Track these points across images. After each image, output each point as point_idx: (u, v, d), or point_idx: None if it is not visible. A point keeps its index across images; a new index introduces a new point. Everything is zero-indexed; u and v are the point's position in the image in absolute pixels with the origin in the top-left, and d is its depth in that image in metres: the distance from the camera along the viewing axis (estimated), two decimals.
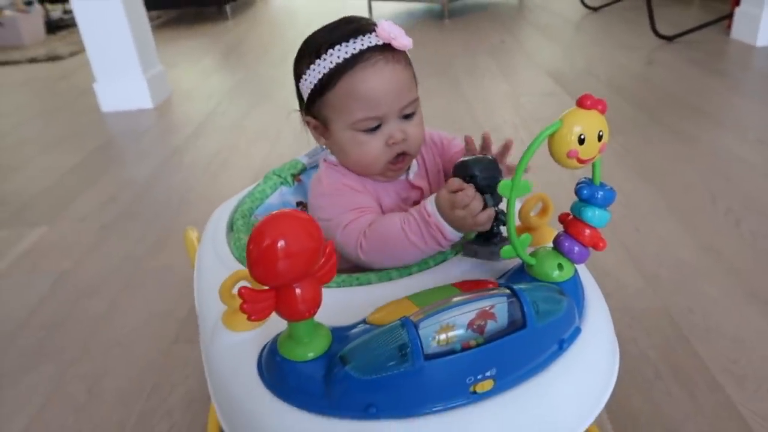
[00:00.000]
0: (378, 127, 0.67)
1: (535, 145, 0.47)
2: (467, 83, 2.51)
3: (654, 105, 2.07)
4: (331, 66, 0.65)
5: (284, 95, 2.57)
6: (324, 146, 0.74)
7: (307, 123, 0.72)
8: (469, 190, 0.56)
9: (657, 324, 1.01)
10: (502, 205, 0.59)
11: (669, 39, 2.80)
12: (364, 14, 3.40)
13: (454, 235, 0.58)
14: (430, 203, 0.59)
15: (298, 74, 0.70)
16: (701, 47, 2.68)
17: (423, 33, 3.53)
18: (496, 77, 2.58)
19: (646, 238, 1.27)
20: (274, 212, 0.42)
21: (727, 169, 1.56)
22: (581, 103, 0.49)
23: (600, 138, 0.49)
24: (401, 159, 0.69)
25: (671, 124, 1.89)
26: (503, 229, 0.59)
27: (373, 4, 4.33)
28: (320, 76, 0.66)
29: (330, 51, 0.65)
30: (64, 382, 1.02)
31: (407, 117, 0.68)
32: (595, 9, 3.74)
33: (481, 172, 0.57)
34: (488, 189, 0.57)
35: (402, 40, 0.66)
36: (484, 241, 0.60)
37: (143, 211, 1.65)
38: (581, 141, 0.48)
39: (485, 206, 0.57)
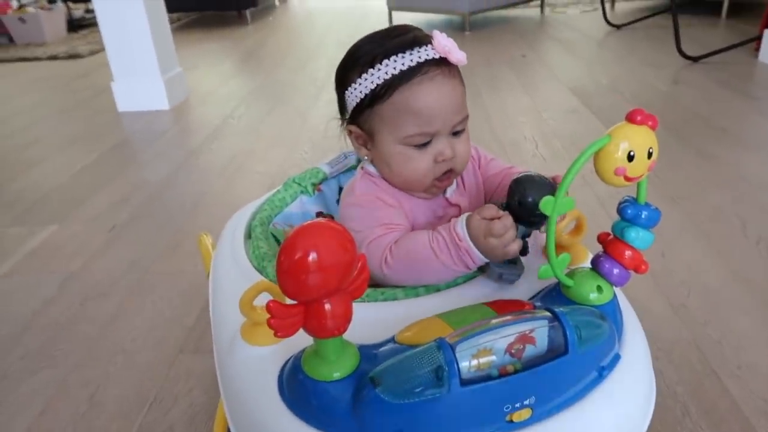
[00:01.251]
0: (428, 143, 0.64)
1: (581, 160, 0.44)
2: (487, 95, 2.47)
3: (681, 125, 2.01)
4: (386, 77, 0.62)
5: (302, 101, 2.56)
6: (365, 157, 0.71)
7: (349, 132, 0.70)
8: (507, 219, 0.53)
9: (685, 357, 0.96)
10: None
11: (694, 60, 2.75)
12: (385, 24, 3.39)
13: (481, 260, 0.56)
14: (460, 226, 0.57)
15: (345, 82, 0.67)
16: (728, 68, 2.63)
17: None
18: (516, 91, 2.55)
19: (673, 264, 1.22)
20: (306, 222, 0.39)
21: (757, 195, 1.50)
22: (631, 118, 0.46)
23: (650, 155, 0.46)
24: (447, 176, 0.67)
25: (698, 145, 1.84)
26: (522, 259, 0.58)
27: (394, 14, 4.32)
28: (373, 87, 0.63)
29: (385, 61, 0.62)
30: (66, 387, 0.98)
31: (456, 134, 0.66)
32: (618, 27, 3.70)
33: (533, 197, 0.53)
34: (530, 224, 0.54)
35: (457, 54, 0.64)
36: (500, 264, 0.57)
37: (155, 213, 1.62)
38: (630, 158, 0.45)
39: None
